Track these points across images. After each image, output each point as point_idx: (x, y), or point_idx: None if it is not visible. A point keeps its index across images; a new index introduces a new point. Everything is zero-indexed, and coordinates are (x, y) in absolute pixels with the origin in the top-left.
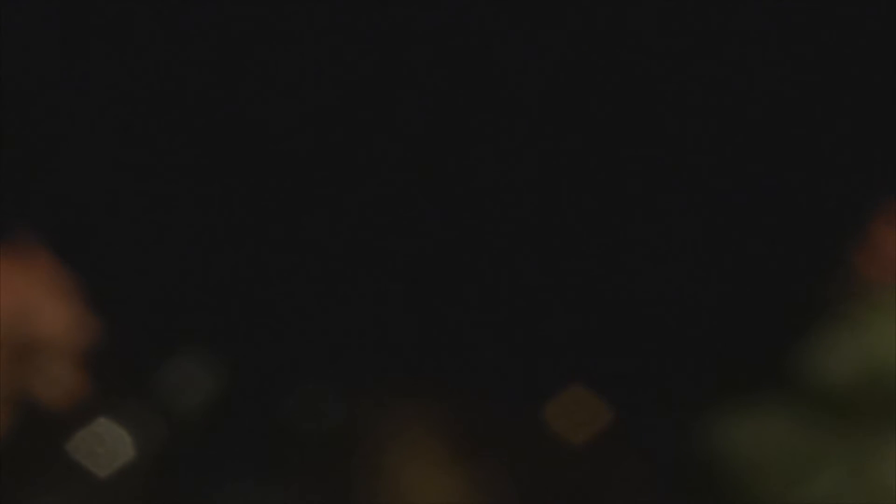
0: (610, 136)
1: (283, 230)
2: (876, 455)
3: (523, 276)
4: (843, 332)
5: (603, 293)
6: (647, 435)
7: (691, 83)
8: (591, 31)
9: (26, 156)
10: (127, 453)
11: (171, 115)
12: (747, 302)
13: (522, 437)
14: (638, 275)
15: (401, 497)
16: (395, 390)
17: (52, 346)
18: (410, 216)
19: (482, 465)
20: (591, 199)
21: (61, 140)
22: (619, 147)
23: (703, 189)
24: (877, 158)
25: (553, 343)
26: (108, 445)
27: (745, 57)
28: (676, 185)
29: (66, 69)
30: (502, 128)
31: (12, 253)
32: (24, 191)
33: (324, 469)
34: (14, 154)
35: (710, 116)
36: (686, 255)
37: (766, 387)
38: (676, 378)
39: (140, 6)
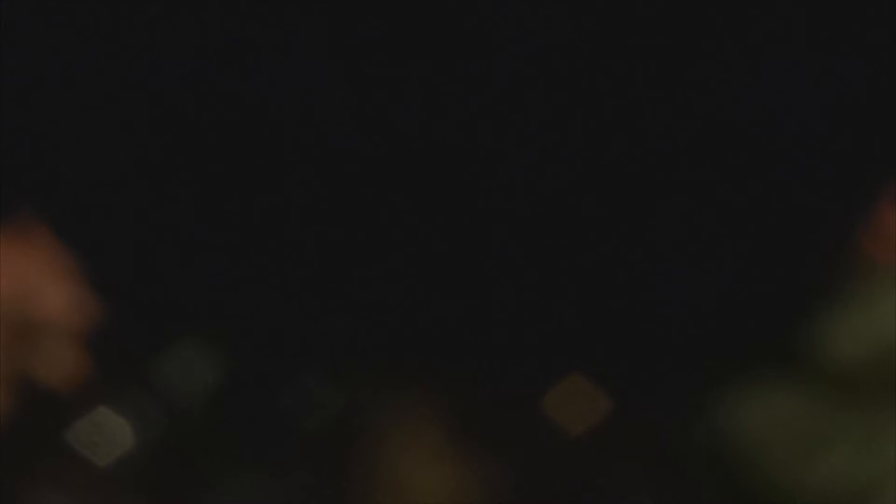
0: (609, 129)
1: (282, 222)
2: (883, 433)
3: (521, 266)
4: (850, 312)
5: (603, 275)
6: (650, 419)
7: (690, 75)
8: (592, 33)
9: (28, 137)
10: (126, 442)
11: (174, 103)
12: (753, 282)
13: (521, 427)
14: (639, 256)
15: (399, 487)
16: (394, 381)
17: (52, 327)
18: (411, 208)
19: (480, 456)
20: (588, 186)
21: (63, 122)
22: (618, 136)
23: (709, 170)
24: (882, 139)
25: (552, 331)
26: (107, 435)
27: (748, 44)
28: (681, 164)
29: (68, 55)
30: (502, 122)
31: (13, 234)
32: (26, 172)
33: (322, 459)
34: (15, 135)
35: (715, 100)
36: (690, 235)
37: (774, 366)
38: (681, 359)
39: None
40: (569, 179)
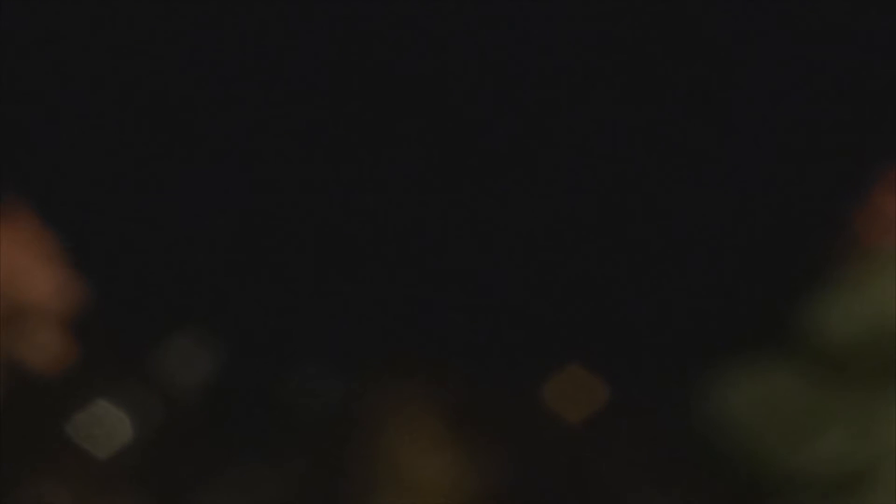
0: (604, 120)
1: (281, 214)
2: (878, 415)
3: (520, 260)
4: (846, 293)
5: (599, 264)
6: (647, 407)
7: (688, 63)
8: (590, 32)
9: (19, 124)
10: (125, 434)
11: (173, 92)
12: (748, 266)
13: (520, 418)
14: (634, 244)
15: (399, 477)
16: (394, 369)
17: (40, 311)
18: (411, 203)
19: (479, 444)
20: (584, 179)
21: (58, 110)
22: (612, 127)
23: (702, 155)
24: (877, 125)
25: (550, 323)
26: (106, 427)
27: (744, 31)
28: (675, 149)
29: (55, 48)
30: (503, 122)
31: (2, 219)
32: (18, 159)
33: (322, 449)
34: (4, 122)
35: (713, 86)
36: (683, 220)
37: (768, 349)
38: (676, 346)
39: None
40: (565, 174)
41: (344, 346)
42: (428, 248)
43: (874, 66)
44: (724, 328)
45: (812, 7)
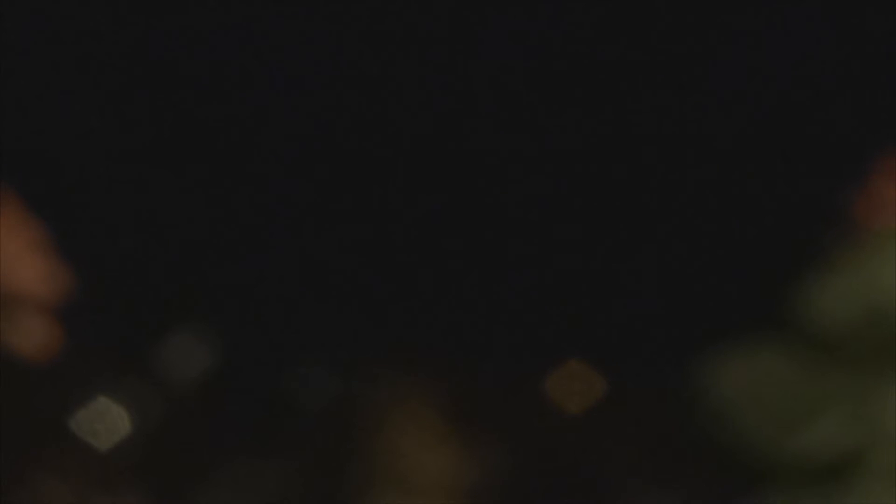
0: (605, 118)
1: (279, 209)
2: (873, 398)
3: (518, 256)
4: (841, 277)
5: (595, 256)
6: (646, 398)
7: (683, 52)
8: (588, 31)
9: (10, 114)
10: (125, 429)
11: (167, 84)
12: (744, 249)
13: (519, 411)
14: (628, 232)
15: (398, 473)
16: (392, 364)
17: (26, 300)
18: (411, 200)
19: (479, 440)
20: (578, 174)
21: (50, 99)
22: (605, 124)
23: (702, 133)
24: (877, 107)
25: (549, 315)
26: (106, 422)
27: (741, 16)
28: (670, 137)
29: (44, 41)
30: (501, 121)
31: None
32: (15, 151)
33: (321, 444)
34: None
35: (709, 72)
36: (679, 206)
37: (764, 332)
38: (673, 333)
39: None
40: (561, 169)
41: (344, 345)
42: (426, 246)
43: (872, 52)
44: (719, 314)
45: None
